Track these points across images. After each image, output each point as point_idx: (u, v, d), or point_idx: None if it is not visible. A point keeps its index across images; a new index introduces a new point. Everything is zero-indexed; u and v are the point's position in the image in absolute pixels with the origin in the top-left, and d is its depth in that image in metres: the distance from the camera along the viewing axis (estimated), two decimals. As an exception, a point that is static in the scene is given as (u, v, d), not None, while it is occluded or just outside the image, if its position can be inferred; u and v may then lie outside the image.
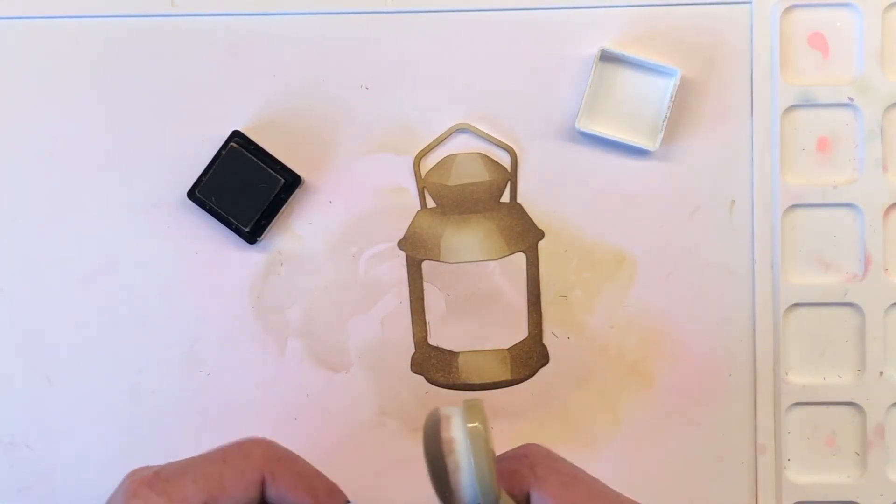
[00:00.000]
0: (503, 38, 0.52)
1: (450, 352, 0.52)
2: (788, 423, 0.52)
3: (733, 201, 0.52)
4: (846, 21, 0.51)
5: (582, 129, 0.51)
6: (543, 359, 0.52)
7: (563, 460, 0.42)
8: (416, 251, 0.52)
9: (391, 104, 0.52)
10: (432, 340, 0.52)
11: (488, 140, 0.52)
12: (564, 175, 0.52)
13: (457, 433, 0.40)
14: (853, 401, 0.52)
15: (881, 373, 0.52)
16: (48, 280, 0.52)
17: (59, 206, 0.52)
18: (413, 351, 0.53)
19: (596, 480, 0.41)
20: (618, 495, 0.41)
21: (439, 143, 0.52)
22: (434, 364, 0.52)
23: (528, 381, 0.53)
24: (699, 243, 0.52)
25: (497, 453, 0.41)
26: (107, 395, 0.53)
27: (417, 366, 0.53)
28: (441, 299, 0.52)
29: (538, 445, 0.42)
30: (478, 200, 0.52)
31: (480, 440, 0.39)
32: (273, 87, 0.52)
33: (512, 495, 0.40)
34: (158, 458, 0.52)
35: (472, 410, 0.40)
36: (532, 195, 0.52)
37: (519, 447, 0.42)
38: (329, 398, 0.52)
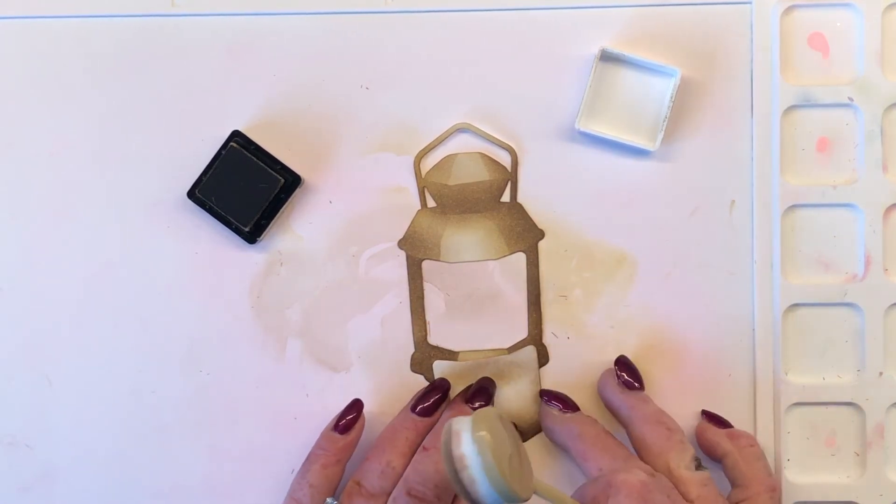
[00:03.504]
0: (503, 38, 0.52)
1: (450, 351, 0.52)
2: (788, 423, 0.52)
3: (733, 201, 0.52)
4: (846, 21, 0.51)
5: (582, 129, 0.51)
6: (543, 359, 0.52)
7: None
8: (416, 251, 0.52)
9: (391, 104, 0.52)
10: (432, 340, 0.52)
11: (488, 140, 0.52)
12: (564, 175, 0.52)
13: (466, 448, 0.41)
14: (853, 401, 0.52)
15: (881, 373, 0.52)
16: (48, 280, 0.52)
17: (59, 205, 0.52)
18: (413, 351, 0.53)
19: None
20: None
21: (439, 143, 0.52)
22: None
23: (528, 381, 0.53)
24: (699, 243, 0.52)
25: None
26: (107, 395, 0.53)
27: (417, 365, 0.53)
28: (441, 299, 0.52)
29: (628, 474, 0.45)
30: (478, 200, 0.52)
31: (488, 454, 0.40)
32: (273, 87, 0.52)
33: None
34: (158, 458, 0.52)
35: (479, 422, 0.41)
36: (532, 195, 0.52)
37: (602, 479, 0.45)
38: (329, 398, 0.52)
